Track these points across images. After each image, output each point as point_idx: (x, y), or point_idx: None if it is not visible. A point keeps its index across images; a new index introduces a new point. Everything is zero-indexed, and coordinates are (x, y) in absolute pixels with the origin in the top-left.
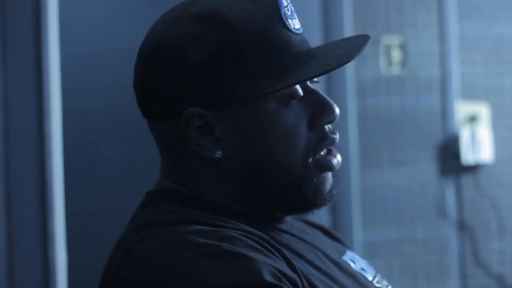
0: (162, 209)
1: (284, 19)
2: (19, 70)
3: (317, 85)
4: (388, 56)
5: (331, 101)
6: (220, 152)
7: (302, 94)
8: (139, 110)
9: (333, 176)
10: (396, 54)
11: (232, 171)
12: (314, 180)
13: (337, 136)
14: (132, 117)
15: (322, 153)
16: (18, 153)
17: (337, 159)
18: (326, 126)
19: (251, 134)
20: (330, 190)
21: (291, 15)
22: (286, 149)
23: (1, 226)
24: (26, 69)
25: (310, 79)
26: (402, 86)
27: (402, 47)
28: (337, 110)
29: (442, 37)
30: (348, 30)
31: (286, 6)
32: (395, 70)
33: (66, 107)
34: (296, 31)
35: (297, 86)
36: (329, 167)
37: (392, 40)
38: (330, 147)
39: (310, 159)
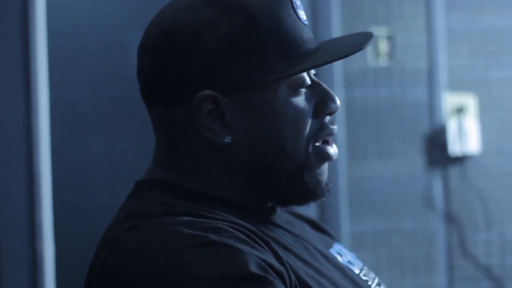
0: (150, 199)
1: (296, 9)
2: (7, 63)
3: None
4: (375, 47)
5: (333, 92)
6: (229, 137)
7: (309, 82)
8: (130, 101)
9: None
10: (383, 46)
11: (238, 158)
12: (315, 170)
13: (335, 127)
14: (120, 110)
15: (319, 143)
16: (5, 146)
17: (334, 149)
18: (327, 117)
19: (262, 119)
20: (327, 182)
21: (300, 5)
22: (293, 135)
23: None
24: (14, 62)
25: (323, 64)
26: (389, 77)
27: (390, 38)
28: (338, 102)
29: (429, 29)
30: (336, 22)
31: None
32: (383, 61)
33: (54, 100)
34: (305, 22)
35: (305, 75)
36: (328, 155)
37: (380, 31)
38: (327, 138)
39: (311, 147)
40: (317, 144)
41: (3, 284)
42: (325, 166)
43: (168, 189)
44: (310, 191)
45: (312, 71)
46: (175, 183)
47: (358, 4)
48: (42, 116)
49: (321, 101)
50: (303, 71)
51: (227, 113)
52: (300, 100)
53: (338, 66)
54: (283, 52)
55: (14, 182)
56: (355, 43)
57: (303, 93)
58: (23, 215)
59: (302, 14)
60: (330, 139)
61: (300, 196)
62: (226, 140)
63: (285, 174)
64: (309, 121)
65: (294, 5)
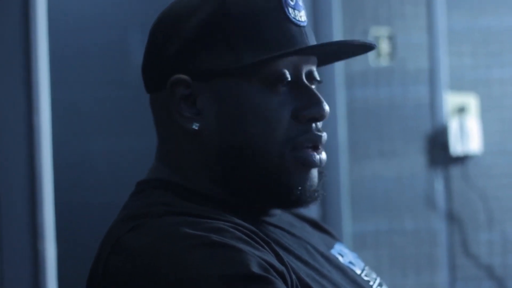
0: (152, 199)
1: (284, 5)
2: (8, 63)
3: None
4: (376, 48)
5: (321, 98)
6: (197, 124)
7: (289, 78)
8: (131, 101)
9: (321, 174)
10: (384, 46)
11: (208, 146)
12: (295, 175)
13: (323, 134)
14: (121, 111)
15: (304, 148)
16: (7, 147)
17: (321, 156)
18: (313, 124)
19: (229, 109)
20: (315, 189)
21: (294, 5)
22: (262, 132)
23: None
24: (15, 62)
25: (287, 55)
26: (390, 77)
27: (391, 38)
28: (326, 108)
29: (431, 29)
30: (337, 21)
31: None
32: (384, 61)
33: (55, 100)
34: (296, 21)
35: (286, 70)
36: (309, 161)
37: (381, 31)
38: (316, 144)
39: (288, 150)
40: (299, 150)
41: (5, 284)
42: (312, 173)
43: (169, 189)
44: (290, 195)
45: (304, 73)
46: (175, 183)
47: (359, 4)
48: (43, 116)
49: (305, 104)
50: (263, 60)
51: (198, 100)
52: (274, 97)
53: (339, 67)
54: (254, 43)
55: (15, 183)
56: (349, 49)
57: (282, 91)
58: (25, 215)
59: (296, 14)
60: (320, 146)
61: (281, 199)
62: (193, 127)
63: (256, 171)
64: (283, 121)
65: (284, 2)
